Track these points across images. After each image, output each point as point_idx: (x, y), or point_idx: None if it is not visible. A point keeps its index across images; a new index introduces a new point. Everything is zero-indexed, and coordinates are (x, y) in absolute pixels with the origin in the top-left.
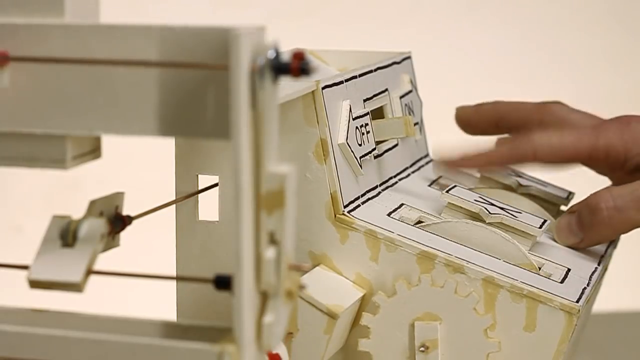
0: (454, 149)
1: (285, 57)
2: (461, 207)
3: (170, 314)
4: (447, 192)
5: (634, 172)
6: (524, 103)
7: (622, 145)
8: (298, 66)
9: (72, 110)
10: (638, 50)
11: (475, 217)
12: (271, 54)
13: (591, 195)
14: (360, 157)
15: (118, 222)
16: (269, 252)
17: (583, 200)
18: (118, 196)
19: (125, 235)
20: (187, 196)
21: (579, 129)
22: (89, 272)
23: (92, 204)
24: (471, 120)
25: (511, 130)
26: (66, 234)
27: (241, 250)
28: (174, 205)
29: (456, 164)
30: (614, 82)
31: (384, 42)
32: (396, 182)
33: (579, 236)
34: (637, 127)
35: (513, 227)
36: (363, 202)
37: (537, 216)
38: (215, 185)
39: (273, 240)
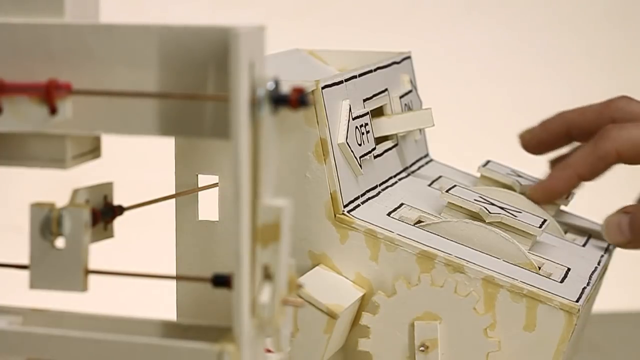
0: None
1: (285, 89)
2: (461, 207)
3: (170, 313)
4: (447, 191)
5: None
6: (590, 106)
7: None
8: (297, 98)
9: (73, 109)
10: (638, 51)
11: (475, 216)
12: (270, 86)
13: None
14: (360, 157)
15: (108, 211)
16: (264, 295)
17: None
18: (106, 186)
19: (125, 235)
20: (185, 192)
21: None
22: (87, 271)
23: (76, 192)
24: (541, 139)
25: (583, 137)
26: (49, 223)
27: (241, 250)
28: (174, 205)
29: (545, 191)
30: (613, 83)
31: (384, 42)
32: (396, 182)
33: (627, 237)
34: None
35: (513, 227)
36: (363, 202)
37: (537, 216)
38: (216, 185)
39: (267, 275)
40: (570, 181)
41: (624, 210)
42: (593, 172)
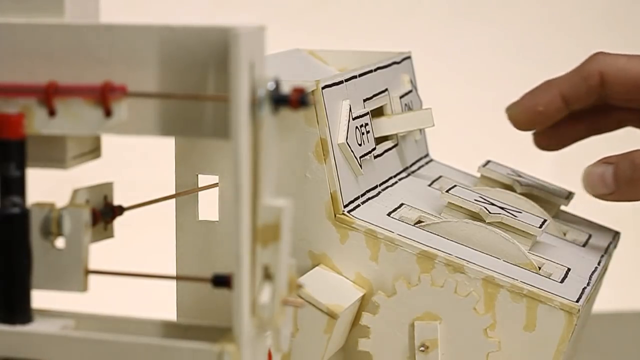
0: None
1: (285, 89)
2: (461, 207)
3: (170, 313)
4: (447, 191)
5: None
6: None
7: None
8: (297, 98)
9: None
10: (636, 51)
11: (475, 216)
12: (271, 86)
13: (634, 151)
14: (360, 157)
15: (108, 211)
16: (264, 296)
17: (624, 154)
18: (106, 186)
19: (125, 235)
20: (185, 192)
21: None
22: (87, 271)
23: (76, 192)
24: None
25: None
26: (49, 223)
27: (241, 250)
28: (174, 205)
29: (526, 110)
30: None
31: (384, 42)
32: (396, 182)
33: (611, 189)
34: None
35: (513, 227)
36: (363, 202)
37: (537, 216)
38: (216, 185)
39: (267, 275)
40: (554, 100)
41: (606, 161)
42: (577, 92)
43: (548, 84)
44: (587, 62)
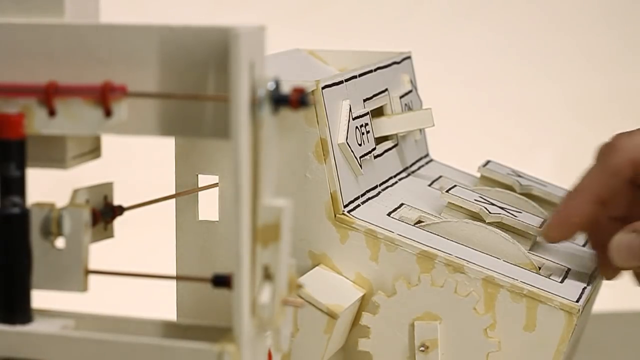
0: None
1: (285, 89)
2: (461, 207)
3: (170, 313)
4: (447, 191)
5: None
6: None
7: None
8: (297, 98)
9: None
10: (634, 52)
11: (475, 216)
12: (271, 86)
13: None
14: (360, 157)
15: (108, 211)
16: (264, 296)
17: None
18: (106, 186)
19: (125, 235)
20: (185, 192)
21: None
22: (87, 271)
23: (76, 192)
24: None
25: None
26: (49, 223)
27: (241, 250)
28: (174, 205)
29: (561, 225)
30: (614, 84)
31: (384, 42)
32: (396, 182)
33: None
34: None
35: (513, 227)
36: (363, 202)
37: (537, 216)
38: (216, 185)
39: (267, 275)
40: (586, 207)
41: (634, 229)
42: (610, 192)
43: (575, 192)
44: (610, 154)
